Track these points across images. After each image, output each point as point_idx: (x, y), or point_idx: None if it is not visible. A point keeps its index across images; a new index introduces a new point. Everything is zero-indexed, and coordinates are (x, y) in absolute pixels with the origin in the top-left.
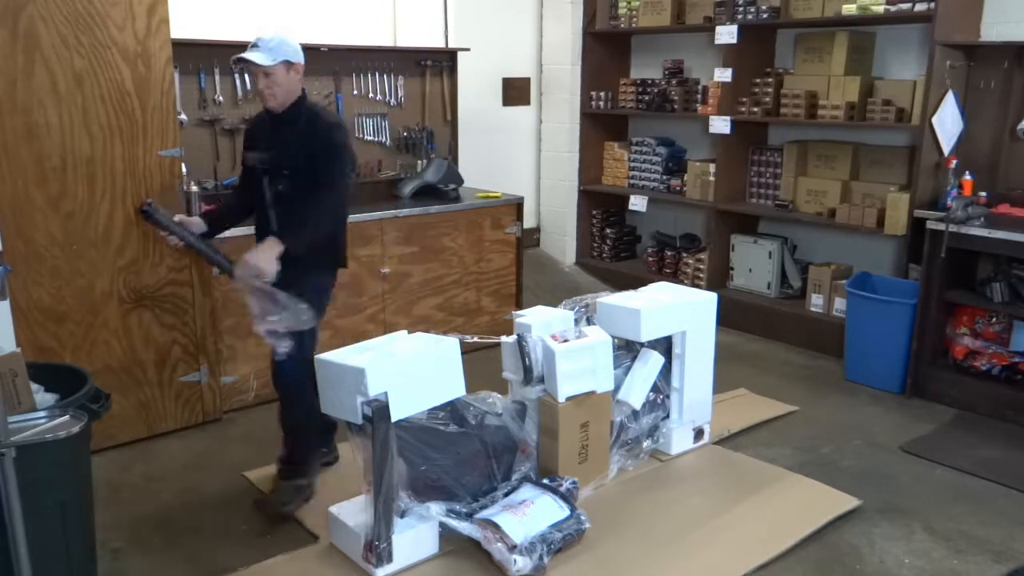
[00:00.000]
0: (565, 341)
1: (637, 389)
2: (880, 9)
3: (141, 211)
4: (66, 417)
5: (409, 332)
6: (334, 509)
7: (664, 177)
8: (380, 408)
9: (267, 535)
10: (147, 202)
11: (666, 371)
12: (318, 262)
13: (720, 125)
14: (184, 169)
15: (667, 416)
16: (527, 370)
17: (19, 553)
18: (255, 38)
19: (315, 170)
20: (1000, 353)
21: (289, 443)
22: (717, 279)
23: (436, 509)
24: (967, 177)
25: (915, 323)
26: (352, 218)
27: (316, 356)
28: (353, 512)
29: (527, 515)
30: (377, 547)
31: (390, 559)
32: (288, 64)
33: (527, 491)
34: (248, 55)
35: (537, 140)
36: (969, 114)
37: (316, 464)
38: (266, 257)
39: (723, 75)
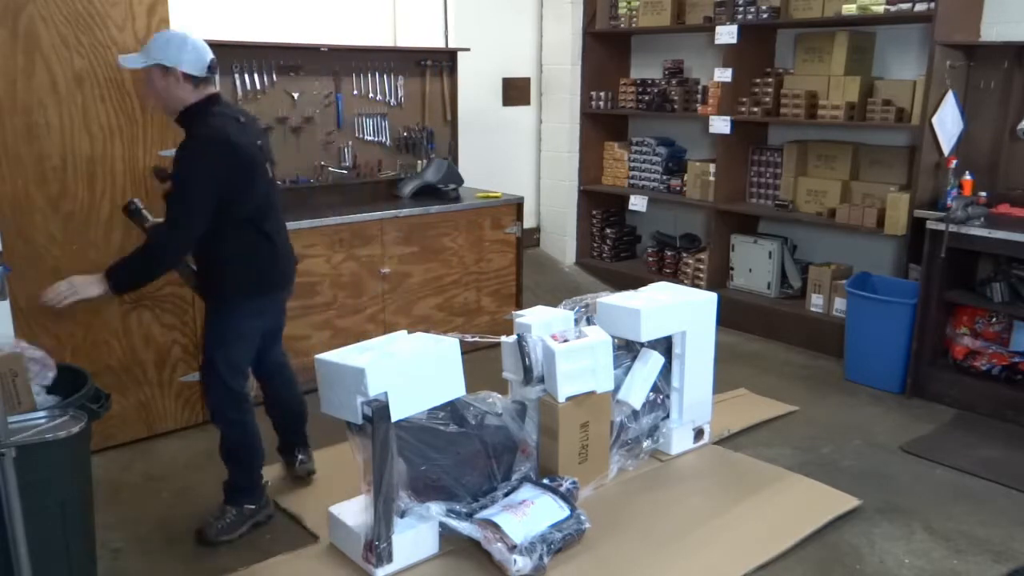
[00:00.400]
0: (565, 341)
1: (637, 389)
2: (880, 9)
3: (126, 209)
4: (66, 417)
5: (409, 332)
6: (334, 509)
7: (664, 177)
8: (380, 408)
9: (267, 535)
10: (132, 201)
11: (666, 371)
12: (213, 290)
13: (720, 125)
14: None
15: (667, 416)
16: (527, 370)
17: (19, 553)
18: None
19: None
20: (1000, 353)
21: (229, 470)
22: (717, 279)
23: (436, 509)
24: (967, 177)
25: (915, 323)
26: (352, 218)
27: (316, 356)
28: (353, 512)
29: (527, 515)
30: (377, 547)
31: (390, 559)
32: (164, 69)
33: (527, 491)
34: (122, 56)
35: (537, 140)
36: (969, 114)
37: (261, 489)
38: (83, 284)
39: (723, 75)
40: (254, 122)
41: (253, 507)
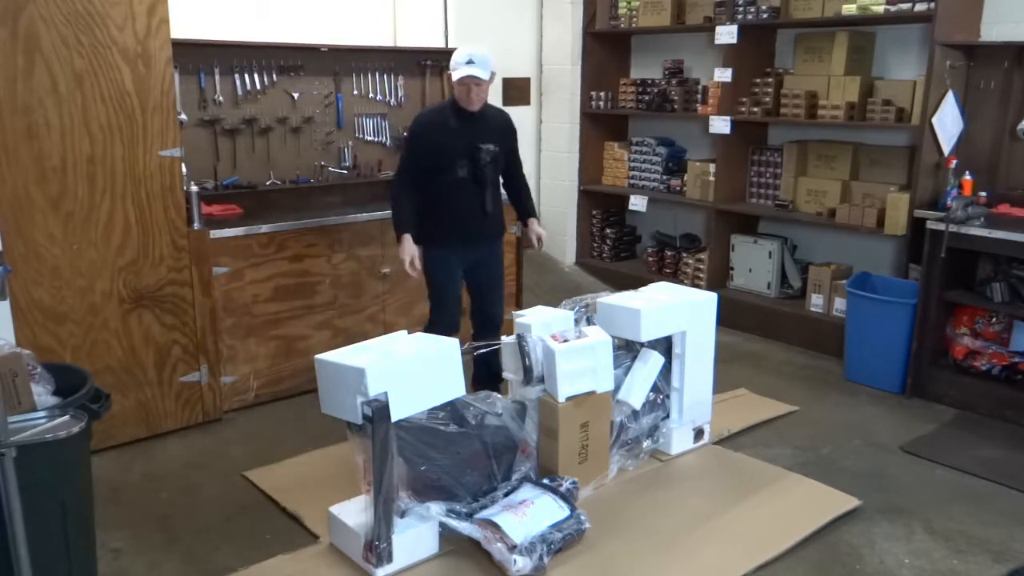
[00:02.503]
0: (565, 341)
1: (637, 389)
2: (880, 9)
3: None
4: (66, 417)
5: (409, 332)
6: (334, 509)
7: (664, 177)
8: (380, 408)
9: (267, 535)
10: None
11: (666, 371)
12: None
13: (720, 125)
14: (184, 169)
15: (667, 416)
16: (527, 370)
17: (19, 553)
18: (468, 54)
19: (516, 158)
20: (1000, 353)
21: None
22: (717, 279)
23: (436, 509)
24: (967, 177)
25: (915, 323)
26: (352, 218)
27: (316, 356)
28: (353, 512)
29: (527, 515)
30: (377, 547)
31: (390, 559)
32: (492, 75)
33: (527, 491)
34: (471, 71)
35: (537, 140)
36: (969, 114)
37: None
38: (537, 227)
39: (723, 75)
40: None
41: None
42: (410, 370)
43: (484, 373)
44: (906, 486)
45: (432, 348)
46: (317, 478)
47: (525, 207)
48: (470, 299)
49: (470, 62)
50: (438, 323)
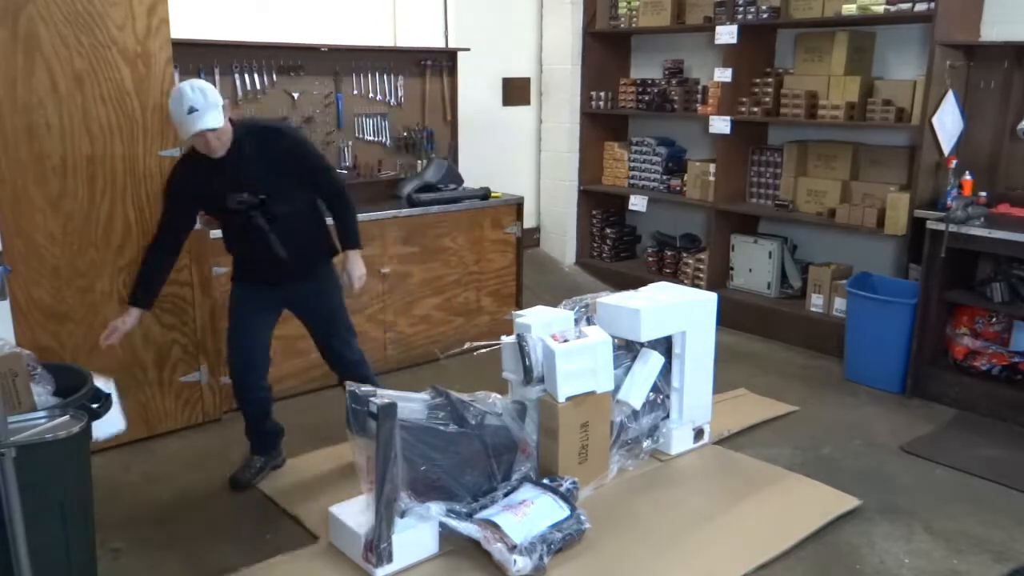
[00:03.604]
0: (565, 341)
1: (637, 389)
2: (880, 9)
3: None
4: (66, 417)
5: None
6: (334, 509)
7: (664, 177)
8: (386, 407)
9: (267, 535)
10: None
11: (666, 371)
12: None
13: (720, 125)
14: None
15: (667, 416)
16: (527, 370)
17: (19, 553)
18: (187, 103)
19: (317, 178)
20: (1000, 353)
21: None
22: (717, 279)
23: (436, 509)
24: (967, 177)
25: (915, 323)
26: None
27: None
28: (353, 512)
29: (527, 515)
30: (378, 548)
31: (390, 559)
32: (224, 109)
33: (527, 491)
34: (201, 124)
35: (537, 140)
36: (969, 114)
37: None
38: (360, 264)
39: (723, 75)
40: None
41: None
42: None
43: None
44: (906, 486)
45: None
46: (317, 478)
47: (341, 235)
48: (315, 344)
49: (192, 111)
50: (229, 362)
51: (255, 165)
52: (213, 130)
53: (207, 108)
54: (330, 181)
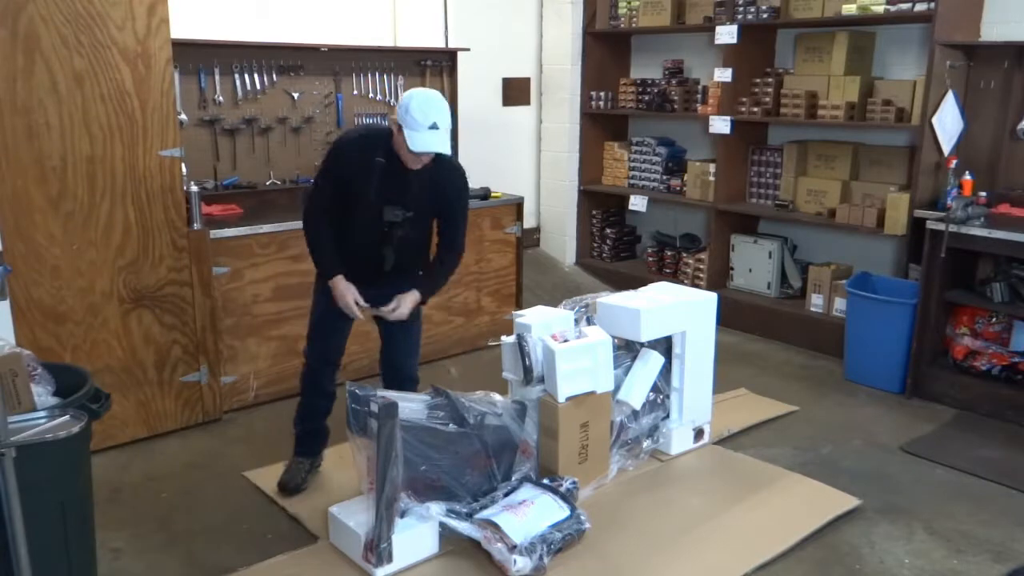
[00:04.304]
0: (565, 341)
1: (637, 389)
2: (880, 9)
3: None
4: (66, 417)
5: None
6: (334, 509)
7: (664, 177)
8: (387, 406)
9: (267, 535)
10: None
11: (666, 371)
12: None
13: (720, 125)
14: (184, 169)
15: (667, 416)
16: (527, 370)
17: (19, 553)
18: (433, 116)
19: (454, 227)
20: (1000, 353)
21: None
22: (717, 279)
23: (436, 509)
24: (967, 177)
25: (915, 323)
26: None
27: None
28: (353, 512)
29: (527, 515)
30: (378, 548)
31: (390, 559)
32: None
33: (527, 491)
34: (440, 147)
35: (537, 140)
36: (969, 114)
37: None
38: (411, 307)
39: (723, 75)
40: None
41: None
42: None
43: None
44: (906, 486)
45: None
46: (317, 478)
47: (424, 279)
48: (380, 345)
49: (434, 127)
50: (307, 355)
51: (425, 188)
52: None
53: (446, 129)
54: (460, 236)
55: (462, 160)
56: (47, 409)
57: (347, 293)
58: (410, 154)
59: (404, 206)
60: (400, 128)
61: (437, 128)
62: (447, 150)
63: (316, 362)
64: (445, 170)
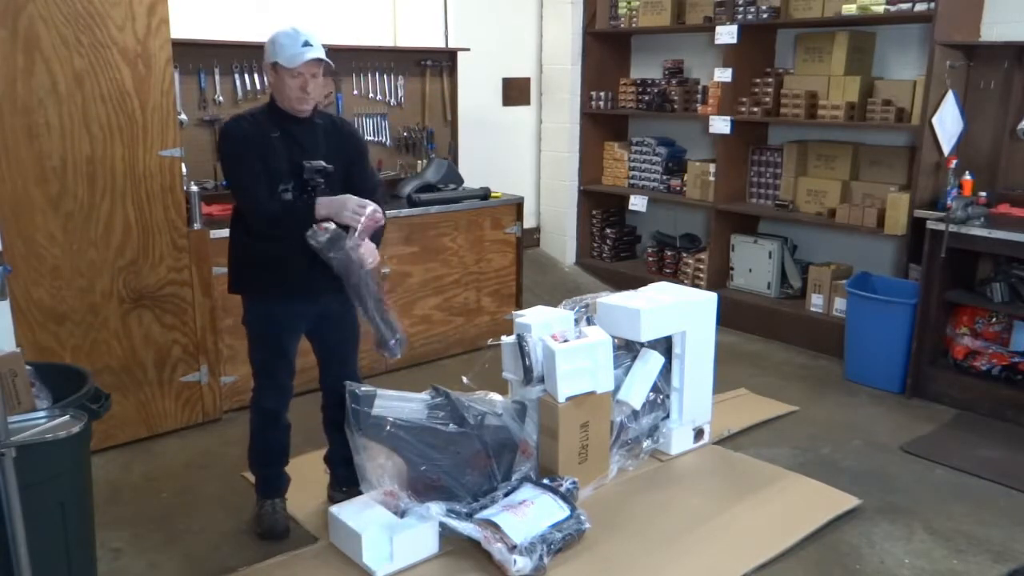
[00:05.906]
0: (565, 341)
1: (637, 389)
2: (880, 9)
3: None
4: (66, 417)
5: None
6: (334, 509)
7: (664, 177)
8: (336, 235)
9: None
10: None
11: (666, 371)
12: None
13: (720, 125)
14: (184, 169)
15: (667, 416)
16: (527, 370)
17: (19, 553)
18: (302, 37)
19: (362, 169)
20: (1000, 353)
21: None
22: (717, 279)
23: (436, 509)
24: (967, 177)
25: (915, 323)
26: None
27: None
28: (353, 512)
29: (527, 515)
30: (388, 343)
31: (403, 347)
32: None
33: (527, 491)
34: (314, 53)
35: (537, 140)
36: (969, 114)
37: None
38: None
39: (723, 75)
40: None
41: None
42: None
43: (336, 439)
44: (906, 486)
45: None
46: (317, 478)
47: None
48: (318, 364)
49: (307, 44)
50: (259, 389)
51: (327, 142)
52: (315, 72)
53: (319, 45)
54: (374, 177)
55: (462, 160)
56: (47, 409)
57: (346, 199)
58: (295, 90)
59: (321, 157)
60: (274, 66)
61: (310, 44)
62: (325, 55)
63: (272, 403)
64: (337, 122)
